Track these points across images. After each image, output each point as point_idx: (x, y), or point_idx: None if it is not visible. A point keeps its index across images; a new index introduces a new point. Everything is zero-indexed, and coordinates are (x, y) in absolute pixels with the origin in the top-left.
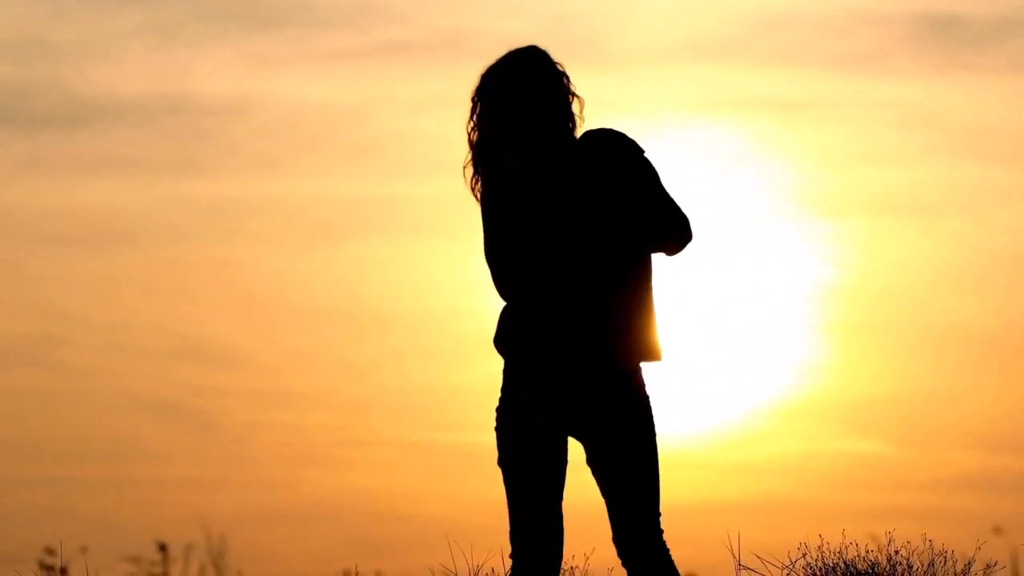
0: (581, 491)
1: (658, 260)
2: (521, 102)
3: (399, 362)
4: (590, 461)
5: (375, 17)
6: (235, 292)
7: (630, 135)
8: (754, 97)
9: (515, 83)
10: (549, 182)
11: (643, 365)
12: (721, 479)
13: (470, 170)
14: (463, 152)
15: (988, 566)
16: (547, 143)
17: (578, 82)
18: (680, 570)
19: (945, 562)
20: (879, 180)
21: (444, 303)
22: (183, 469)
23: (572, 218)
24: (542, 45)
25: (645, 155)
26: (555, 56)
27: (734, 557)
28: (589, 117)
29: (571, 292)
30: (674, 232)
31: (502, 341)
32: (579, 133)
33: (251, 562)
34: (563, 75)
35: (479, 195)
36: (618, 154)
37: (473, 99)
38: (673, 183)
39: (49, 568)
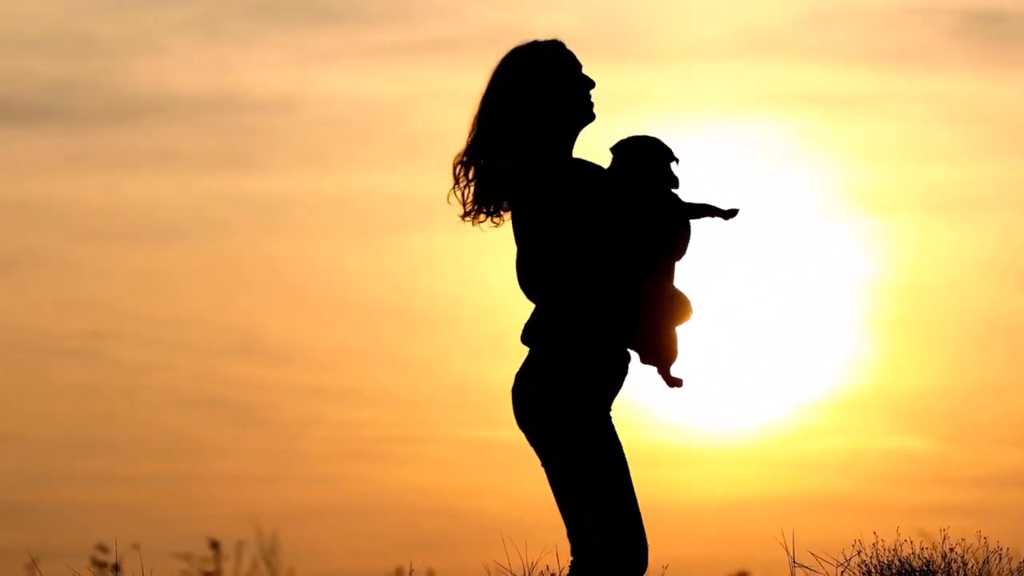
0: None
1: (707, 260)
2: (508, 100)
3: (450, 358)
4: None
5: (421, 12)
6: (284, 288)
7: (675, 133)
8: (803, 93)
9: (504, 80)
10: (530, 181)
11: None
12: (772, 475)
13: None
14: None
15: None
16: (530, 141)
17: (626, 76)
18: (733, 567)
19: (1000, 559)
20: (928, 176)
21: (495, 298)
22: (234, 465)
23: (553, 216)
24: (589, 40)
25: (675, 164)
26: (601, 50)
27: (788, 555)
28: (638, 115)
29: (553, 292)
30: (675, 246)
31: None
32: (601, 129)
33: (303, 559)
34: (571, 70)
35: (471, 192)
36: (647, 164)
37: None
38: (721, 179)
39: (102, 565)
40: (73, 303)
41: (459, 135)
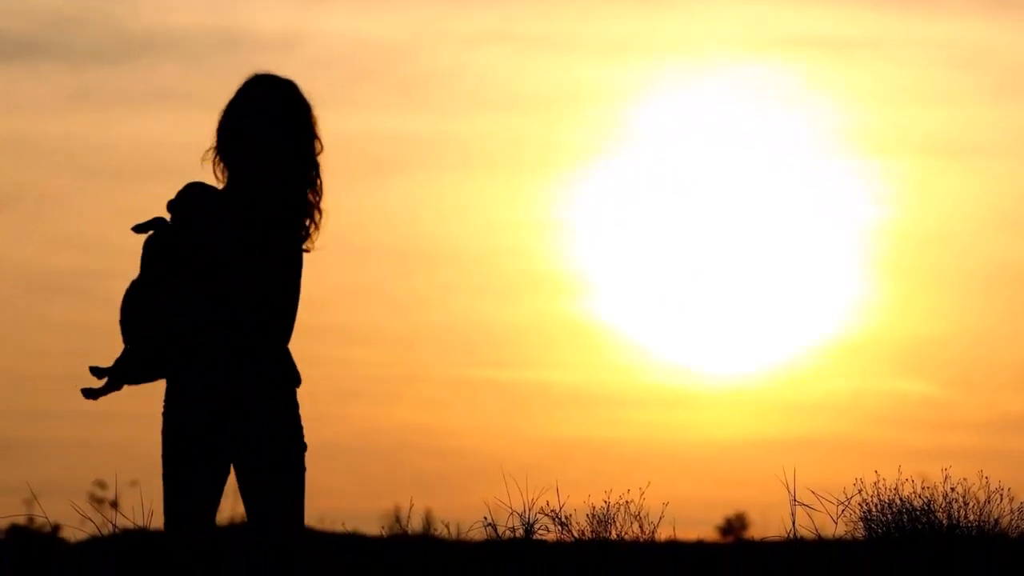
0: (634, 427)
1: (708, 202)
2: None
3: (448, 298)
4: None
5: None
6: None
7: (677, 75)
8: (805, 35)
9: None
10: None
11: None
12: (774, 417)
13: None
14: (513, 88)
15: None
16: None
17: (627, 17)
18: (734, 508)
19: (1001, 499)
20: (930, 119)
21: (493, 240)
22: None
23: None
24: None
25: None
26: None
27: (789, 493)
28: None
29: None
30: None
31: None
32: (603, 73)
33: None
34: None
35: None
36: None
37: None
38: (723, 121)
39: (100, 500)
40: (70, 240)
41: (461, 76)
